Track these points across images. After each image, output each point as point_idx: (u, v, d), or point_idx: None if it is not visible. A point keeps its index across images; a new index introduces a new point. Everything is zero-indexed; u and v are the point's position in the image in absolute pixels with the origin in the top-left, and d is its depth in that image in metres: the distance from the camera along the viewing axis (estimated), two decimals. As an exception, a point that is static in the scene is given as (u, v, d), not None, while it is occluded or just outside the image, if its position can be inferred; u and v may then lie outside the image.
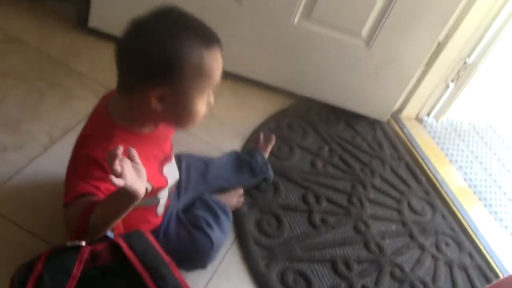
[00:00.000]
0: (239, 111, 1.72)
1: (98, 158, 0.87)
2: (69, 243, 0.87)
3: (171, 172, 1.09)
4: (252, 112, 1.74)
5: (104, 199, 0.84)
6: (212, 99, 0.94)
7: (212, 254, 1.16)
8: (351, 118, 1.88)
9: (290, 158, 1.60)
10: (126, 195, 0.78)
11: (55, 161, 1.28)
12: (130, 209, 0.82)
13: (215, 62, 0.89)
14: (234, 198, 1.37)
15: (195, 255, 1.15)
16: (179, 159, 1.25)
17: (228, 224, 1.25)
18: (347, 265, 1.37)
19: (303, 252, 1.35)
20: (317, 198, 1.51)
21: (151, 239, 0.96)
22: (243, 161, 1.42)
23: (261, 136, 1.56)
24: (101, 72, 1.60)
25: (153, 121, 0.97)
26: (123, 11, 1.64)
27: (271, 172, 1.45)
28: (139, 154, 0.85)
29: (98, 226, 0.84)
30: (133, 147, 0.83)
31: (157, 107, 0.88)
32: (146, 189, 0.87)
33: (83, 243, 0.87)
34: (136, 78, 0.88)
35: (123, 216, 0.83)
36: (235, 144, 1.58)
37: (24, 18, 1.68)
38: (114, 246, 0.90)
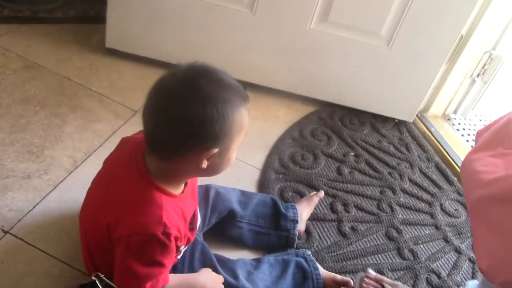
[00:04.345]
0: (261, 121, 1.70)
1: (157, 234, 0.85)
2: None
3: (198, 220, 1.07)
4: (274, 122, 1.71)
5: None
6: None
7: None
8: (375, 121, 1.84)
9: (315, 166, 1.57)
10: None
11: (79, 184, 1.28)
12: None
13: (248, 116, 0.89)
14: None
15: None
16: (207, 191, 1.22)
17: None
18: (381, 274, 1.32)
19: (335, 263, 1.31)
20: (346, 206, 1.47)
21: None
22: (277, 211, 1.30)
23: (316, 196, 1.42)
24: (122, 92, 1.60)
25: (191, 178, 0.97)
26: (139, 30, 1.66)
27: (295, 233, 1.29)
28: (178, 217, 0.91)
29: None
30: (177, 212, 0.90)
31: (204, 166, 0.87)
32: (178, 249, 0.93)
33: None
34: (186, 145, 0.84)
35: None
36: (259, 156, 1.56)
37: (41, 44, 1.69)
38: None
